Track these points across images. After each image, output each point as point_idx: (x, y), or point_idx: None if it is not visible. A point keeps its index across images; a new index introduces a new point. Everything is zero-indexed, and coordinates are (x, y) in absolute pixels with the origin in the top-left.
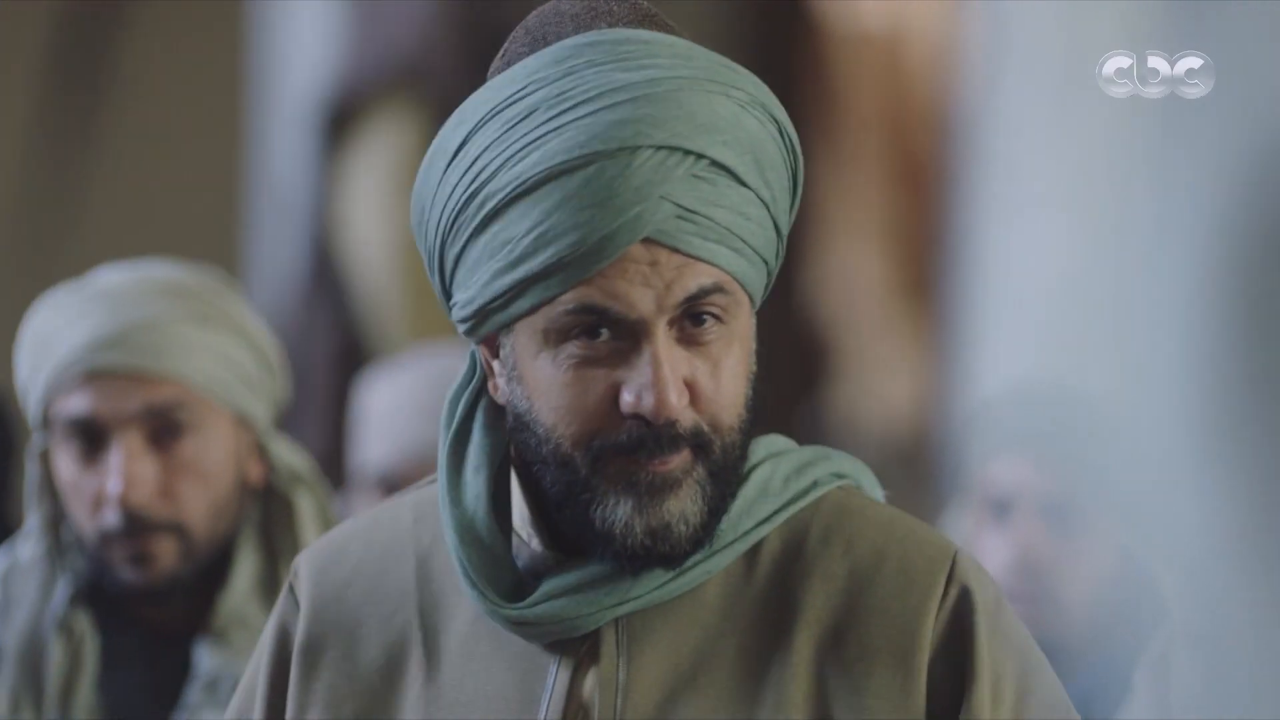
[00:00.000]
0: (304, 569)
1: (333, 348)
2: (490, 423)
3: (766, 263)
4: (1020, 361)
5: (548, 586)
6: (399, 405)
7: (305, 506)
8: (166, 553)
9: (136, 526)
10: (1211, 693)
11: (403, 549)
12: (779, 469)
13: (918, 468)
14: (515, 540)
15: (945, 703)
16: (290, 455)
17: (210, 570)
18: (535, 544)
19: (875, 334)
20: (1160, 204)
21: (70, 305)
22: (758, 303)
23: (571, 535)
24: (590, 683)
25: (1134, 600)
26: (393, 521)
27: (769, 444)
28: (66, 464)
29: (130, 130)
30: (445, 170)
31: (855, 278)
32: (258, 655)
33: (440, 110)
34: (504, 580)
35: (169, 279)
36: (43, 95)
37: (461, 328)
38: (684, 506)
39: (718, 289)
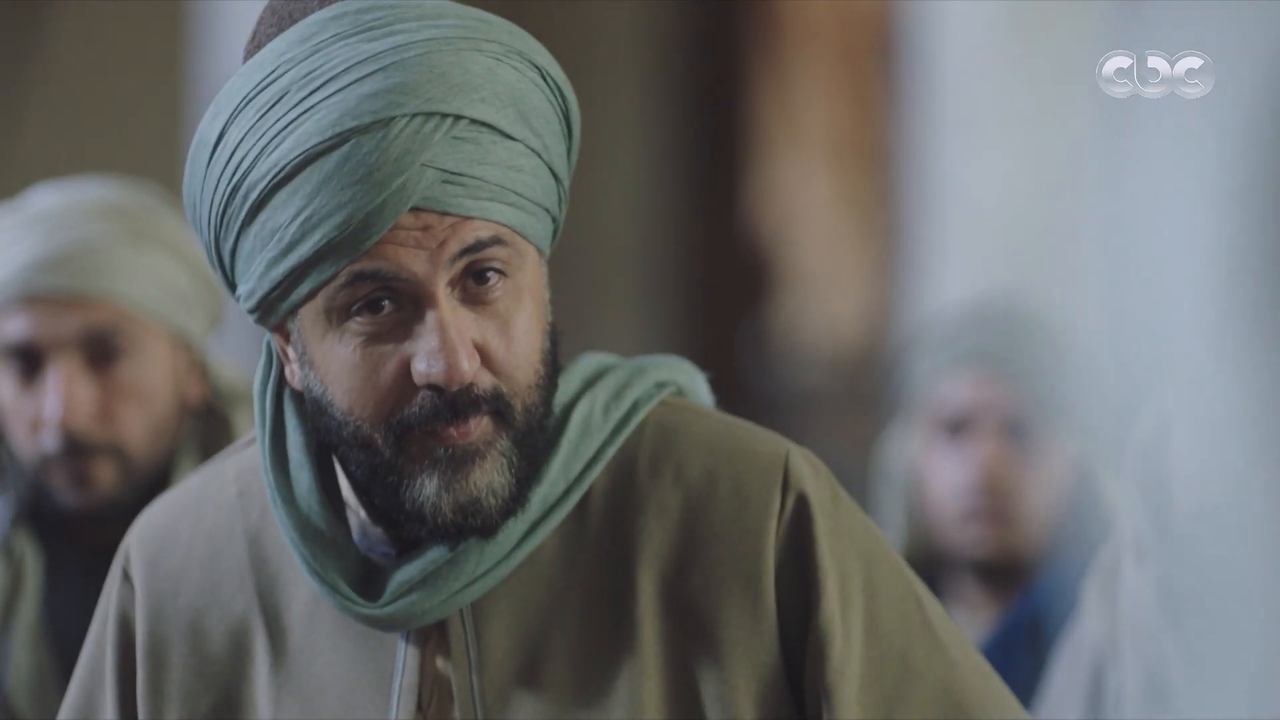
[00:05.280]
0: (136, 560)
1: None
2: (301, 411)
3: (548, 210)
4: (970, 279)
5: (396, 582)
6: None
7: (245, 424)
8: (106, 475)
9: (75, 450)
10: (1162, 604)
11: (231, 528)
12: (597, 399)
13: (864, 385)
14: (352, 518)
15: (796, 614)
16: (230, 373)
17: (150, 490)
18: (364, 515)
19: (821, 250)
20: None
21: (5, 229)
22: (546, 252)
23: (386, 512)
24: (441, 657)
25: (1084, 512)
26: (218, 496)
27: (584, 370)
28: (4, 387)
29: (72, 44)
30: (208, 163)
31: (799, 193)
32: (98, 643)
33: None
34: (351, 570)
35: (104, 199)
36: None
37: (250, 318)
38: (490, 479)
39: (496, 241)
